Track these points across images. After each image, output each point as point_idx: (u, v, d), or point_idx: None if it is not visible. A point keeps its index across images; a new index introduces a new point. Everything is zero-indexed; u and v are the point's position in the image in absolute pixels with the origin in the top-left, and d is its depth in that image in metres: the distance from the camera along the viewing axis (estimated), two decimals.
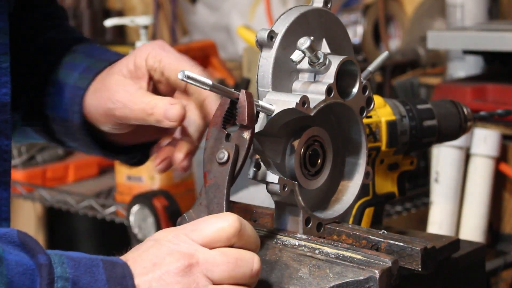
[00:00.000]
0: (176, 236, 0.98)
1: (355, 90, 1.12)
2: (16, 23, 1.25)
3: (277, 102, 1.06)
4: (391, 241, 1.07)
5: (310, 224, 1.11)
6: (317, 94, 1.07)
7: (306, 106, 1.05)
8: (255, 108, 1.04)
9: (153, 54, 1.17)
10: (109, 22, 2.31)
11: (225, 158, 1.04)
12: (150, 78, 1.18)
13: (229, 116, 1.05)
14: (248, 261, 0.97)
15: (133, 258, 0.98)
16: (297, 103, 1.04)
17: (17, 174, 2.44)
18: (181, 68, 1.13)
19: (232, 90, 1.04)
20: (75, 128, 1.24)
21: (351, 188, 1.16)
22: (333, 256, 1.04)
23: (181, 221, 1.10)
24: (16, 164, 2.46)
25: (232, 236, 0.97)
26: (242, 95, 1.03)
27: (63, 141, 1.31)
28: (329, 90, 1.08)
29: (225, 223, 0.97)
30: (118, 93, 1.17)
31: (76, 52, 1.30)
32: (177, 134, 1.21)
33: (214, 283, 0.96)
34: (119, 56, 1.25)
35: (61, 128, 1.27)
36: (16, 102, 1.25)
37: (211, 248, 0.97)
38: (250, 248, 0.99)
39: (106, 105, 1.19)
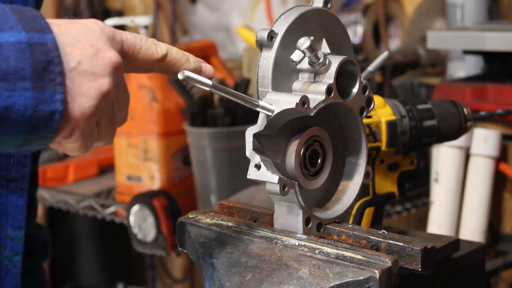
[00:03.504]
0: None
1: (355, 90, 1.12)
2: None
3: (277, 102, 1.06)
4: (391, 241, 1.07)
5: (310, 224, 1.11)
6: (317, 94, 1.08)
7: (306, 106, 1.05)
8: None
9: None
10: (109, 22, 2.31)
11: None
12: None
13: None
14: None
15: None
16: (297, 103, 1.04)
17: None
18: None
19: (232, 90, 1.04)
20: None
21: (351, 188, 1.16)
22: (333, 256, 1.04)
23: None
24: None
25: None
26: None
27: None
28: (329, 90, 1.08)
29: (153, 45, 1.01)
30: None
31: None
32: None
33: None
34: None
35: None
36: None
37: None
38: (179, 64, 1.03)
39: None
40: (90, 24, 0.95)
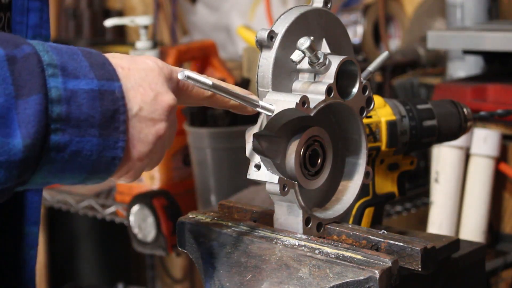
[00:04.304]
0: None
1: (355, 90, 1.12)
2: None
3: (277, 102, 1.06)
4: (391, 241, 1.07)
5: (310, 224, 1.11)
6: (317, 94, 1.08)
7: (306, 106, 1.05)
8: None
9: None
10: (109, 22, 2.31)
11: None
12: None
13: None
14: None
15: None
16: (297, 103, 1.04)
17: None
18: None
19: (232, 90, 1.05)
20: None
21: (351, 188, 1.16)
22: (333, 256, 1.04)
23: None
24: None
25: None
26: None
27: None
28: (329, 90, 1.08)
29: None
30: None
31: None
32: None
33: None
34: None
35: None
36: None
37: None
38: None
39: None
40: (150, 64, 0.99)
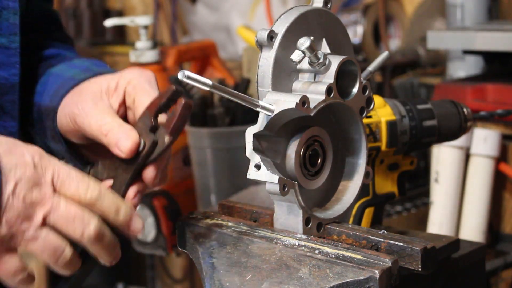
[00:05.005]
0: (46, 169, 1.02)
1: (355, 90, 1.12)
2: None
3: (277, 102, 1.06)
4: (391, 241, 1.07)
5: (310, 224, 1.11)
6: (317, 94, 1.08)
7: (306, 106, 1.05)
8: (185, 122, 1.07)
9: (135, 83, 1.16)
10: (109, 22, 2.31)
11: (141, 148, 1.07)
12: (124, 101, 1.17)
13: (165, 108, 1.08)
14: (84, 222, 1.02)
15: None
16: (297, 103, 1.04)
17: None
18: None
19: (232, 90, 1.05)
20: (48, 112, 1.23)
21: (351, 188, 1.16)
22: (333, 256, 1.04)
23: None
24: None
25: (86, 200, 1.03)
26: (179, 105, 1.05)
27: (30, 135, 1.30)
28: (329, 90, 1.08)
29: (85, 187, 1.03)
30: (86, 102, 1.16)
31: (81, 58, 1.31)
32: None
33: (47, 223, 1.02)
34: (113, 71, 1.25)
35: (36, 116, 1.26)
36: None
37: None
38: (106, 215, 1.04)
39: (72, 109, 1.17)
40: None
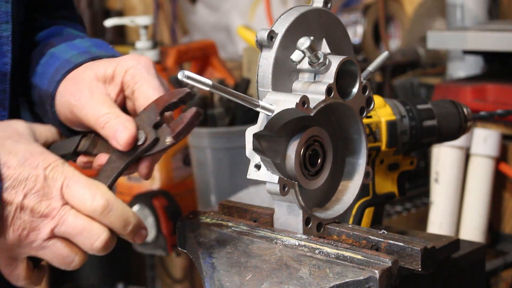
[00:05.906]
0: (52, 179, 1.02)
1: (355, 90, 1.12)
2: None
3: (277, 102, 1.06)
4: (391, 241, 1.07)
5: (310, 224, 1.11)
6: (317, 94, 1.07)
7: (306, 106, 1.05)
8: (191, 130, 1.08)
9: (133, 72, 1.14)
10: (109, 22, 2.31)
11: (141, 141, 1.07)
12: (122, 91, 1.15)
13: (174, 107, 1.08)
14: (92, 235, 1.02)
15: None
16: (297, 103, 1.04)
17: None
18: (151, 97, 1.11)
19: (232, 90, 1.04)
20: (46, 97, 1.22)
21: (351, 188, 1.16)
22: (333, 256, 1.04)
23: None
24: None
25: (93, 211, 1.02)
26: (190, 112, 1.05)
27: (39, 115, 1.29)
28: (329, 90, 1.08)
29: (91, 197, 1.02)
30: (82, 92, 1.14)
31: (83, 38, 1.30)
32: None
33: (55, 235, 1.02)
34: (118, 54, 1.24)
35: (38, 99, 1.25)
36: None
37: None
38: (115, 228, 1.03)
39: (68, 100, 1.16)
40: None
